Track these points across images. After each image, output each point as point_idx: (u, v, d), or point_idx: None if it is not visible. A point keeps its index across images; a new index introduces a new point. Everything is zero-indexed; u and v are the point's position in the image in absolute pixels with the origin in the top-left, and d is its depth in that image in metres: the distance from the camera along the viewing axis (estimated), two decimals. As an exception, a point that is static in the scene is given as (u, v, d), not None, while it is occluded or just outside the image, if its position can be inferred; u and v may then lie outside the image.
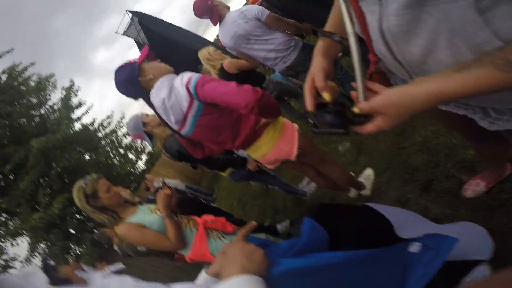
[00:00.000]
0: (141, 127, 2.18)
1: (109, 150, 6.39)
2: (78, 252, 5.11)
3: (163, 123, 1.56)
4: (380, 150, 2.10)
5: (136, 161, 6.86)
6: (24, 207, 4.58)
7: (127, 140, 6.79)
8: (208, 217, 1.79)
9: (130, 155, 6.93)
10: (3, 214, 5.16)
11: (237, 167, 2.58)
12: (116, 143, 6.50)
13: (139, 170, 6.91)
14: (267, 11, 2.20)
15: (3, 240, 4.98)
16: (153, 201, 2.11)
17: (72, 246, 5.23)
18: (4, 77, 6.05)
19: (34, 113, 5.89)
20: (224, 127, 1.49)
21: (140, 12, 11.65)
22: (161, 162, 7.45)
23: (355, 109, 0.55)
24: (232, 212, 4.58)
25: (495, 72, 0.42)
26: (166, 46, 11.21)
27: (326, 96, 0.59)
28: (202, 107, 1.40)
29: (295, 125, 1.64)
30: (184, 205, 2.31)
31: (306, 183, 2.81)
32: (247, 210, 4.20)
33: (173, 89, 1.39)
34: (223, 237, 1.78)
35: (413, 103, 0.49)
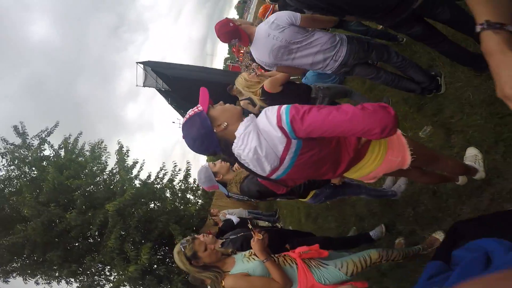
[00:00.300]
0: (213, 178, 2.16)
1: (170, 197, 6.76)
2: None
3: (250, 172, 1.32)
4: (476, 125, 1.93)
5: (197, 200, 7.14)
6: (117, 260, 5.08)
7: (182, 185, 7.15)
8: (301, 249, 1.79)
9: (188, 195, 7.22)
10: (104, 266, 5.79)
11: (319, 187, 2.31)
12: (175, 190, 6.89)
13: (199, 206, 7.14)
14: (299, 14, 2.02)
15: None
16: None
17: None
18: (62, 153, 6.70)
19: (98, 179, 6.40)
20: (324, 159, 1.26)
21: (149, 61, 12.43)
22: (218, 194, 7.65)
23: None
24: (301, 228, 4.47)
25: None
26: (186, 86, 11.78)
27: None
28: (302, 144, 1.17)
29: (398, 130, 1.42)
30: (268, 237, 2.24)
31: (390, 182, 2.64)
32: (320, 223, 4.00)
33: (262, 134, 1.17)
34: (324, 264, 1.74)
35: None
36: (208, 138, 1.23)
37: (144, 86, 13.70)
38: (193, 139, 1.24)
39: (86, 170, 6.38)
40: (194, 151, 1.31)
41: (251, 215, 6.27)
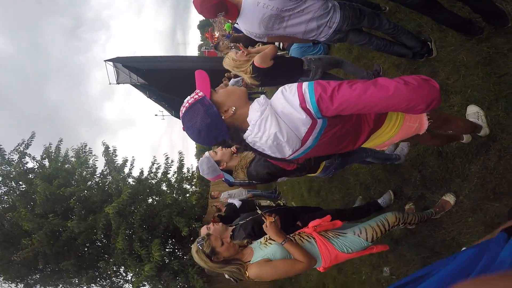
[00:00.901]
0: (217, 167, 2.13)
1: (168, 190, 6.73)
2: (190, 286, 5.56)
3: (263, 156, 1.23)
4: (475, 84, 1.97)
5: (194, 190, 7.15)
6: (130, 260, 5.13)
7: (177, 176, 7.08)
8: (314, 223, 1.79)
9: (184, 185, 7.21)
10: (119, 267, 5.88)
11: (329, 157, 2.20)
12: (171, 183, 6.85)
13: (198, 195, 7.19)
14: None
15: None
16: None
17: (182, 281, 5.70)
18: (46, 163, 6.44)
19: (90, 183, 6.26)
20: (346, 134, 1.19)
21: (118, 57, 11.87)
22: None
23: None
24: (305, 203, 4.55)
25: None
26: (163, 77, 11.34)
27: None
28: (327, 122, 1.08)
29: None
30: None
31: (393, 147, 2.66)
32: (324, 196, 4.00)
33: (281, 117, 1.07)
34: (342, 233, 1.77)
35: None
36: (215, 127, 1.10)
37: (118, 83, 13.13)
38: (198, 130, 1.10)
39: (76, 176, 6.25)
40: (199, 143, 1.19)
41: (251, 193, 6.34)
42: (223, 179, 2.83)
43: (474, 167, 1.87)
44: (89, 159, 6.75)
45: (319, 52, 4.25)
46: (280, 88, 1.12)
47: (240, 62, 2.43)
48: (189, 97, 1.15)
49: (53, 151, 6.61)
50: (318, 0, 1.94)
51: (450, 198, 1.99)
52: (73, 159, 6.74)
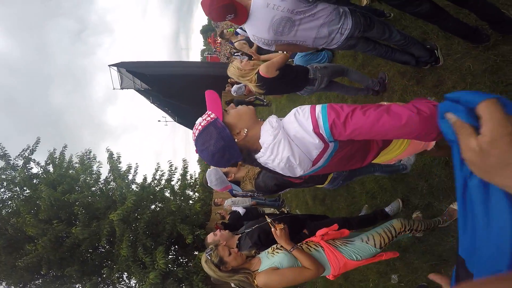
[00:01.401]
0: (225, 179, 2.14)
1: (172, 198, 6.74)
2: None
3: (274, 173, 1.24)
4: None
5: (197, 196, 7.16)
6: (133, 267, 5.12)
7: (180, 183, 7.11)
8: (322, 231, 1.81)
9: (187, 191, 7.22)
10: (121, 273, 5.85)
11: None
12: (175, 190, 6.87)
13: (201, 201, 7.17)
14: None
15: None
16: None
17: None
18: (50, 169, 6.49)
19: (94, 189, 6.29)
20: (356, 153, 1.20)
21: (122, 62, 11.99)
22: (218, 187, 7.69)
23: None
24: (309, 211, 4.52)
25: None
26: (167, 83, 11.42)
27: None
28: (338, 145, 1.09)
29: None
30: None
31: None
32: (329, 204, 3.98)
33: (292, 141, 1.08)
34: (349, 241, 1.77)
35: None
36: (229, 150, 1.11)
37: (121, 88, 13.25)
38: (212, 153, 1.11)
39: (80, 182, 6.28)
40: (212, 165, 1.21)
41: (254, 200, 6.31)
42: (228, 190, 2.84)
43: (481, 176, 1.85)
44: (93, 165, 6.80)
45: (323, 59, 4.27)
46: (293, 111, 1.12)
47: (245, 71, 2.40)
48: (201, 119, 1.15)
49: (58, 156, 6.69)
50: (329, 5, 1.87)
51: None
52: (77, 165, 6.79)
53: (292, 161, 1.09)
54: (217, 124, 1.10)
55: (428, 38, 2.49)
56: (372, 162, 2.14)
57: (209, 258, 1.66)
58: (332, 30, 1.89)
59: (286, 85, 2.59)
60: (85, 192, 5.74)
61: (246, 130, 1.13)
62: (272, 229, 1.70)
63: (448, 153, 1.85)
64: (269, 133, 1.10)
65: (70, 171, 6.58)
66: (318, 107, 1.05)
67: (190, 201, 7.06)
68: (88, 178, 6.47)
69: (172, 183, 6.82)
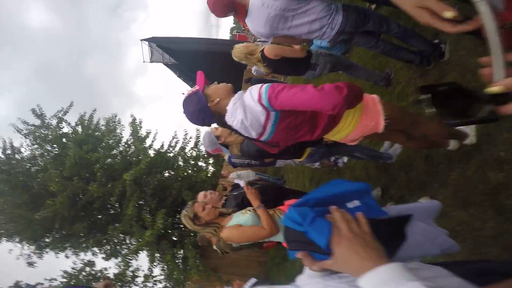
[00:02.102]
0: (216, 141, 2.33)
1: (183, 165, 7.05)
2: (185, 255, 5.95)
3: (241, 135, 1.59)
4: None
5: (207, 167, 7.45)
6: (135, 227, 5.54)
7: (194, 152, 7.40)
8: (291, 201, 1.90)
9: (200, 163, 7.52)
10: (125, 236, 6.42)
11: (314, 145, 2.42)
12: (186, 157, 7.15)
13: (210, 173, 7.46)
14: None
15: (130, 257, 6.05)
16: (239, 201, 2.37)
17: (178, 252, 6.11)
18: (79, 129, 7.03)
19: (115, 152, 6.75)
20: (301, 125, 1.48)
21: (153, 37, 12.36)
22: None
23: (493, 89, 0.45)
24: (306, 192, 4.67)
25: None
26: (194, 59, 11.59)
27: (450, 14, 0.46)
28: (279, 114, 1.42)
29: (375, 96, 1.58)
30: (266, 193, 2.34)
31: (388, 145, 2.66)
32: None
33: (247, 108, 1.42)
34: None
35: None
36: (203, 112, 1.50)
37: (151, 62, 13.74)
38: (191, 113, 1.52)
39: (103, 144, 6.73)
40: (192, 123, 1.60)
41: (259, 175, 6.51)
42: (227, 160, 3.13)
43: (453, 174, 1.84)
44: (117, 129, 7.19)
45: (337, 52, 4.14)
46: (250, 88, 1.48)
47: (251, 48, 2.55)
48: (189, 89, 1.59)
49: (87, 119, 7.11)
50: (321, 2, 1.98)
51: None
52: (103, 127, 7.22)
53: (244, 123, 1.44)
54: (198, 93, 1.51)
55: (440, 33, 2.42)
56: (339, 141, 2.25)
57: (186, 213, 1.91)
58: (323, 25, 2.01)
59: (287, 67, 2.68)
60: (106, 153, 6.20)
61: (218, 99, 1.50)
62: (245, 187, 1.91)
63: (421, 145, 1.88)
64: (232, 101, 1.47)
65: (96, 133, 7.03)
66: (264, 86, 1.40)
67: (201, 171, 7.28)
68: (111, 141, 6.92)
69: (185, 150, 7.09)
